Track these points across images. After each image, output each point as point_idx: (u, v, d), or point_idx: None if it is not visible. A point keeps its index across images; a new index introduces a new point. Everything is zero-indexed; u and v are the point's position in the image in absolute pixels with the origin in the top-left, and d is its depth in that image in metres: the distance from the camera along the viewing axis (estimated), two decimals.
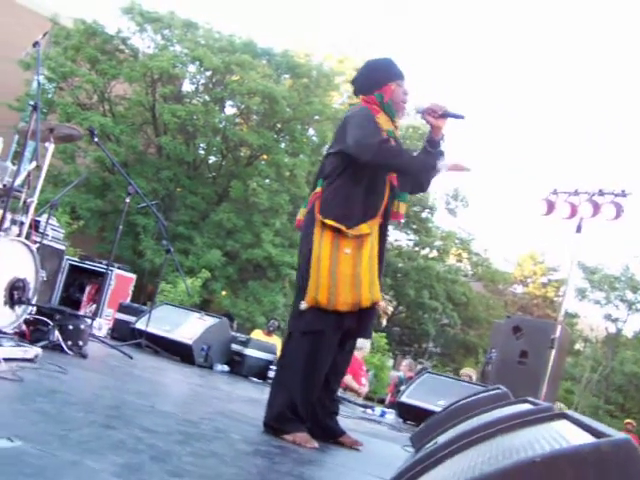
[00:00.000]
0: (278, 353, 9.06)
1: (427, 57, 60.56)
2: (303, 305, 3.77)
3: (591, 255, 48.02)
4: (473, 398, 3.73)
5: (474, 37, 68.88)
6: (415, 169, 3.92)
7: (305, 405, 3.85)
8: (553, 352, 8.44)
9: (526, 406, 2.71)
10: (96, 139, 5.97)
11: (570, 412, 1.97)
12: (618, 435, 1.22)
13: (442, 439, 2.66)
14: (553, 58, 65.58)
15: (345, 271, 3.75)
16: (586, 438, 1.45)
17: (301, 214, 4.10)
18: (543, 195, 9.39)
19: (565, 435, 1.57)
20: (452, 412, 3.62)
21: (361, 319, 3.92)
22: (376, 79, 4.08)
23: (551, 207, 9.31)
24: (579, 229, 8.79)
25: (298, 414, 3.81)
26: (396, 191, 4.07)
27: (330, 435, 4.12)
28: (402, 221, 4.80)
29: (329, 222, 3.78)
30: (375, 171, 3.90)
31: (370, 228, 3.86)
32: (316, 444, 3.72)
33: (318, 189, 3.97)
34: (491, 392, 3.78)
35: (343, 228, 3.77)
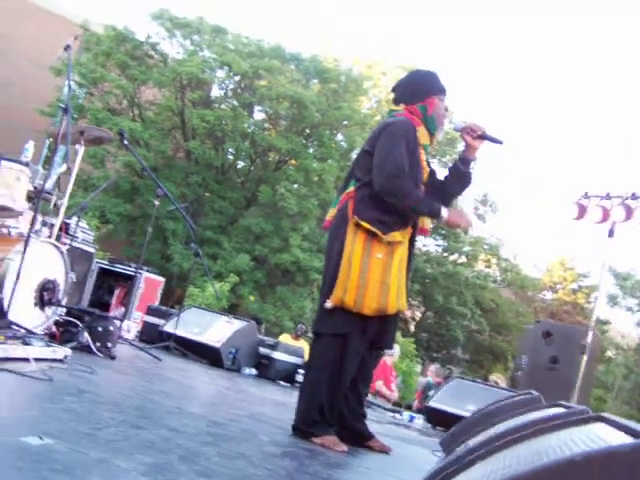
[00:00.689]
0: (306, 357, 9.05)
1: (454, 64, 60.32)
2: (328, 304, 3.74)
3: (623, 261, 47.51)
4: (505, 402, 3.67)
5: (499, 42, 68.56)
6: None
7: (331, 408, 3.82)
8: (584, 358, 8.32)
9: (559, 409, 2.66)
10: (126, 142, 6.00)
11: (607, 414, 1.93)
12: None
13: (473, 442, 2.62)
14: (583, 58, 65.16)
15: (375, 276, 3.72)
16: (625, 439, 1.41)
17: (330, 214, 4.05)
18: (574, 199, 9.29)
19: (603, 436, 1.53)
20: (483, 416, 3.57)
21: (383, 329, 3.91)
22: (421, 90, 4.05)
23: (582, 211, 9.19)
24: (611, 233, 8.66)
25: (326, 417, 3.79)
26: None
27: (358, 439, 4.08)
28: (427, 236, 4.79)
29: (364, 224, 3.75)
30: (413, 178, 3.88)
31: (402, 237, 3.85)
32: (345, 447, 3.70)
33: (351, 189, 3.93)
34: (523, 396, 3.73)
35: (378, 232, 3.74)
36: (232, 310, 19.75)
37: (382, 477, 3.51)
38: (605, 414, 1.96)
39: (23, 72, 23.71)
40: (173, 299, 20.11)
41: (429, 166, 4.12)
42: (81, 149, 5.64)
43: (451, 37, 67.68)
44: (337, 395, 3.86)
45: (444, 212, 3.82)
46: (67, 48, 5.00)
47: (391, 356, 11.82)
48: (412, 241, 4.01)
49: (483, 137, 3.91)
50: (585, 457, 1.16)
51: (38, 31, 23.36)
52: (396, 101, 4.17)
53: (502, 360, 31.55)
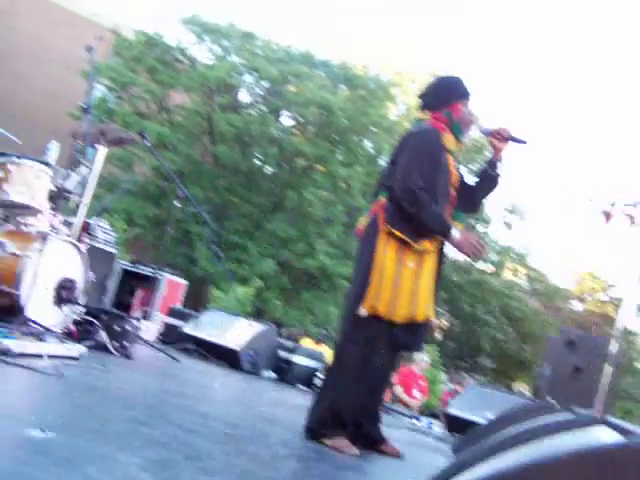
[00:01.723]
0: (327, 362, 9.03)
1: (484, 69, 60.05)
2: (361, 311, 3.74)
3: None
4: (516, 408, 3.63)
5: (530, 46, 68.14)
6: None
7: (350, 411, 3.81)
8: (608, 368, 8.20)
9: (567, 415, 2.62)
10: (147, 142, 6.03)
11: (611, 418, 1.89)
12: None
13: (479, 445, 2.59)
14: (603, 63, 64.51)
15: (407, 285, 3.75)
16: (619, 439, 1.37)
17: (362, 222, 4.06)
18: (601, 207, 9.17)
19: (600, 438, 1.49)
20: (494, 422, 3.53)
21: (413, 332, 3.90)
22: (445, 96, 4.06)
23: (609, 219, 9.08)
24: None
25: (341, 420, 3.77)
26: (453, 211, 4.07)
27: (371, 443, 4.06)
28: None
29: (396, 233, 3.77)
30: (439, 187, 3.88)
31: (433, 246, 3.87)
32: (356, 451, 3.67)
33: (381, 199, 3.93)
34: (536, 403, 3.69)
35: (410, 241, 3.76)
36: (257, 315, 19.78)
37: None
38: (610, 418, 1.92)
39: (55, 76, 23.98)
40: (199, 303, 20.18)
41: (458, 171, 4.12)
42: (102, 149, 5.67)
43: (480, 42, 67.40)
44: (358, 399, 3.86)
45: (455, 233, 3.82)
46: (89, 49, 5.04)
47: (418, 363, 11.77)
48: (442, 250, 4.02)
49: (509, 139, 3.94)
50: (572, 455, 1.14)
51: (70, 36, 23.59)
52: (422, 108, 4.18)
53: (528, 370, 31.26)
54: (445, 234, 3.83)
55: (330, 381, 3.92)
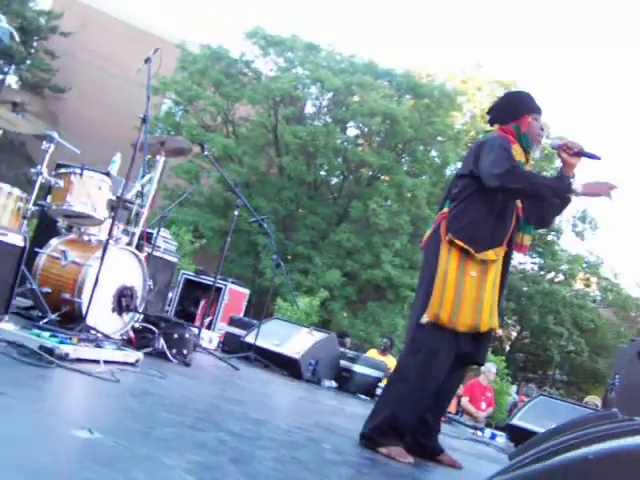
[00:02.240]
0: (390, 372, 8.96)
1: (550, 77, 59.12)
2: (424, 319, 3.73)
3: None
4: (577, 418, 3.52)
5: (592, 54, 66.86)
6: (547, 193, 3.75)
7: (408, 420, 3.78)
8: None
9: (629, 423, 2.52)
10: (206, 152, 6.09)
11: None
12: None
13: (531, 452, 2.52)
14: None
15: (470, 293, 3.72)
16: None
17: (427, 234, 4.06)
18: None
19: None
20: (552, 430, 3.43)
21: (477, 344, 3.88)
22: (514, 110, 4.05)
23: None
24: None
25: (398, 428, 3.74)
26: (521, 222, 4.02)
27: (428, 453, 4.01)
28: (525, 253, 4.67)
29: (458, 242, 3.75)
30: (505, 197, 3.85)
31: (496, 255, 3.83)
32: (411, 459, 3.63)
33: (445, 210, 3.94)
34: (599, 413, 3.57)
35: (472, 250, 3.74)
36: (323, 326, 19.79)
37: None
38: None
39: (123, 91, 24.51)
40: (264, 314, 20.30)
41: None
42: (162, 159, 5.75)
43: (547, 51, 66.44)
44: (417, 408, 3.83)
45: (577, 185, 3.71)
46: (147, 61, 5.13)
47: (485, 374, 11.60)
48: (507, 259, 3.98)
49: (580, 154, 3.81)
50: (598, 455, 1.10)
51: (138, 52, 24.08)
52: (491, 122, 4.19)
53: (602, 382, 30.49)
54: (565, 186, 3.71)
55: (391, 391, 3.89)
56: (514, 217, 3.96)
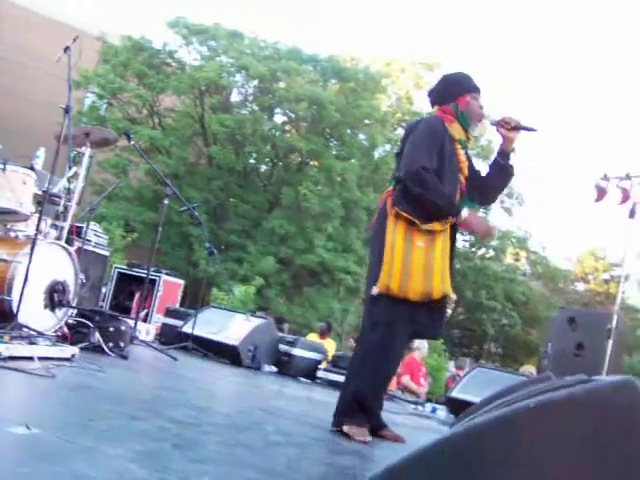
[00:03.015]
0: (330, 354, 8.99)
1: (469, 55, 59.88)
2: (375, 290, 3.74)
3: None
4: (514, 383, 3.60)
5: (509, 22, 68.00)
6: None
7: (375, 398, 3.85)
8: (610, 343, 8.16)
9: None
10: (132, 142, 6.00)
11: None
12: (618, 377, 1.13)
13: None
14: (595, 39, 64.45)
15: (418, 261, 3.73)
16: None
17: (374, 217, 4.11)
18: (594, 181, 9.13)
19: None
20: (490, 397, 3.50)
21: (432, 316, 3.89)
22: (452, 91, 4.12)
23: (602, 193, 9.03)
24: (632, 214, 8.50)
25: (364, 405, 3.77)
26: (464, 198, 4.07)
27: (371, 429, 4.03)
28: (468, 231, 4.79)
29: (404, 214, 3.78)
30: (447, 174, 3.91)
31: (443, 226, 3.84)
32: (368, 439, 3.66)
33: (390, 188, 3.99)
34: (534, 377, 3.65)
35: (417, 221, 3.76)
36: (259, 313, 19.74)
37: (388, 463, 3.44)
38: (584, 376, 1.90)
39: (44, 85, 23.91)
40: (200, 304, 20.15)
41: (469, 161, 4.14)
42: (87, 151, 5.64)
43: (471, 28, 67.32)
44: (382, 385, 3.91)
45: (464, 212, 3.84)
46: (67, 49, 5.02)
47: (419, 350, 11.73)
48: (454, 232, 4.01)
49: (518, 128, 3.95)
50: (540, 403, 1.12)
51: (57, 45, 23.52)
52: (432, 104, 4.24)
53: (535, 353, 31.22)
54: (453, 213, 3.82)
55: (354, 369, 3.90)
56: (458, 193, 4.01)
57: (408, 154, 3.86)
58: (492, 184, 4.17)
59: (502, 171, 4.13)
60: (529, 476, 1.07)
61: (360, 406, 3.75)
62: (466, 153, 4.09)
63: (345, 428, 3.68)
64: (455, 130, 3.99)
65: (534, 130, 3.97)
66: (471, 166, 4.15)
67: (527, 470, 1.07)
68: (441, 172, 3.86)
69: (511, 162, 4.08)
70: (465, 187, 4.06)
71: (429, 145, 3.86)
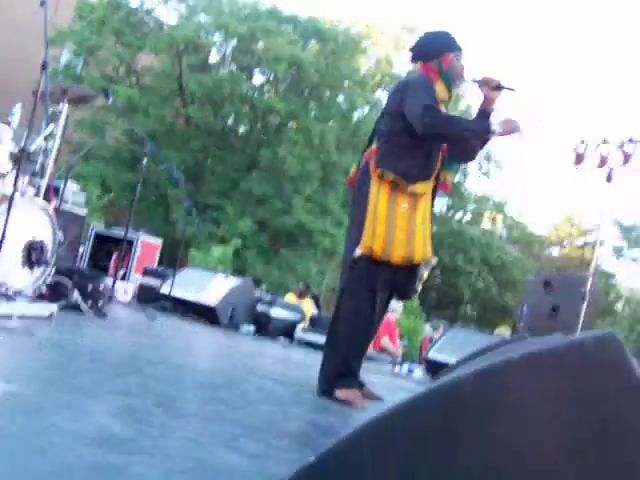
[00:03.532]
0: (307, 315, 9.04)
1: (449, 16, 59.53)
2: (357, 252, 3.71)
3: (629, 214, 47.46)
4: (491, 343, 3.64)
5: None
6: (469, 136, 3.84)
7: (358, 361, 3.83)
8: (584, 306, 8.26)
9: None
10: (110, 99, 5.93)
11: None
12: (602, 331, 1.15)
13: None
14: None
15: (401, 224, 3.71)
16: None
17: (353, 171, 4.07)
18: (571, 146, 9.17)
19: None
20: (468, 356, 3.54)
21: (409, 278, 3.88)
22: (436, 48, 4.06)
23: (580, 158, 9.07)
24: (609, 178, 8.55)
25: (350, 367, 3.77)
26: (445, 160, 4.05)
27: None
28: (449, 192, 4.75)
29: (387, 175, 3.75)
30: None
31: (425, 189, 3.84)
32: (366, 404, 3.65)
33: (373, 146, 3.94)
34: (509, 338, 3.70)
35: (402, 182, 3.74)
36: (237, 275, 19.74)
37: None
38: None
39: (19, 42, 23.52)
40: (178, 264, 20.11)
41: None
42: (65, 108, 5.56)
43: None
44: (364, 345, 3.89)
45: (496, 125, 3.79)
46: (42, 3, 4.91)
47: (393, 312, 11.81)
48: (433, 195, 4.01)
49: (499, 87, 3.90)
50: (522, 356, 1.14)
51: (29, 2, 23.13)
52: (413, 59, 4.18)
53: (510, 316, 31.57)
54: (488, 130, 3.78)
55: (336, 332, 3.85)
56: (440, 154, 3.99)
57: (417, 105, 3.75)
58: (472, 144, 4.08)
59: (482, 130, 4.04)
60: (510, 429, 1.09)
61: (348, 370, 3.74)
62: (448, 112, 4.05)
63: (339, 394, 3.63)
64: (439, 89, 3.95)
65: (513, 90, 3.93)
66: None
67: (508, 423, 1.09)
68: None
69: (491, 122, 3.98)
70: (446, 147, 4.04)
71: (428, 89, 3.82)
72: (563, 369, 1.10)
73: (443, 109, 3.96)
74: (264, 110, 24.16)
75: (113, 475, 1.49)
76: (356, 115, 26.29)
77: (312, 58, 23.21)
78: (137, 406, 2.35)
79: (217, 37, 24.39)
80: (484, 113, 3.97)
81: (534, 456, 1.06)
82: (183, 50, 23.46)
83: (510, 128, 3.84)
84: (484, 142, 4.06)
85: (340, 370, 3.72)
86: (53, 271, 5.14)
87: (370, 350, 10.55)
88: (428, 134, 3.75)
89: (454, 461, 1.07)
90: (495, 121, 3.80)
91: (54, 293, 5.04)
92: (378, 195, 3.74)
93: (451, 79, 4.02)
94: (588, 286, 8.24)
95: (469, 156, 4.26)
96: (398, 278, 3.83)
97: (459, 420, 1.09)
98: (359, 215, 3.79)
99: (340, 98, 25.74)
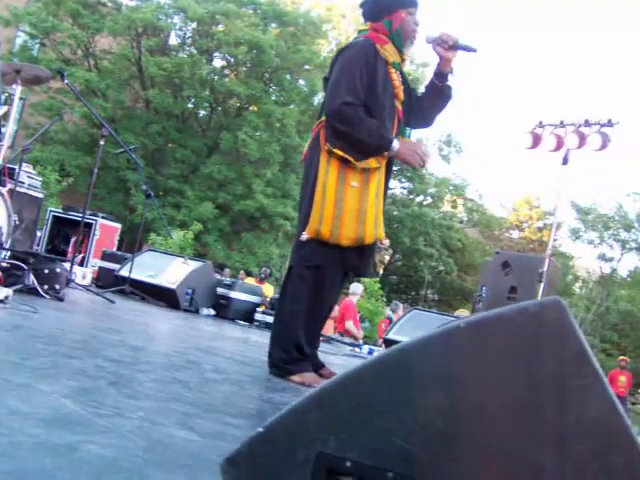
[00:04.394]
0: (267, 297, 9.04)
1: None
2: (304, 236, 3.60)
3: (584, 195, 48.22)
4: (446, 324, 3.67)
5: None
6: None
7: (309, 342, 3.74)
8: (542, 286, 8.37)
9: None
10: (66, 81, 5.83)
11: None
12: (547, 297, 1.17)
13: None
14: None
15: (351, 205, 3.55)
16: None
17: (306, 147, 3.87)
18: (529, 129, 9.26)
19: None
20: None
21: (363, 257, 3.76)
22: (386, 4, 3.80)
23: (537, 140, 9.16)
24: (565, 161, 8.65)
25: (302, 350, 3.68)
26: (401, 126, 3.85)
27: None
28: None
29: (337, 152, 3.56)
30: (381, 101, 3.68)
31: (379, 163, 3.64)
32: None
33: (322, 118, 3.72)
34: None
35: (351, 159, 3.55)
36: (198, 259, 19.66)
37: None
38: None
39: None
40: (137, 248, 19.98)
41: (406, 84, 3.91)
42: (18, 89, 5.47)
43: None
44: (315, 329, 3.82)
45: (396, 145, 3.61)
46: None
47: (354, 295, 11.87)
48: (389, 167, 3.81)
49: (456, 47, 3.70)
50: (470, 323, 1.16)
51: None
52: (364, 17, 3.96)
53: (470, 299, 31.90)
54: (384, 147, 3.59)
55: (286, 314, 3.75)
56: (396, 120, 3.81)
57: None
58: (429, 106, 3.95)
59: (439, 93, 3.90)
60: (455, 393, 1.11)
61: (300, 352, 3.68)
62: (402, 74, 3.86)
63: (296, 378, 3.58)
64: (388, 52, 3.74)
65: (474, 50, 3.70)
66: (407, 89, 3.92)
67: (454, 387, 1.11)
68: (375, 100, 3.64)
69: (449, 83, 3.86)
70: (402, 113, 3.85)
71: (355, 75, 3.58)
72: (509, 332, 1.12)
73: (393, 72, 3.78)
74: (224, 94, 24.04)
75: (65, 454, 1.48)
76: (317, 99, 26.24)
77: (272, 41, 23.11)
78: (92, 387, 2.33)
79: (177, 20, 24.16)
80: (440, 74, 3.82)
81: (478, 419, 1.07)
82: (142, 32, 23.21)
83: (409, 158, 3.68)
84: (446, 101, 3.91)
85: (293, 352, 3.65)
86: (8, 255, 5.07)
87: (333, 332, 10.64)
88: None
89: (399, 428, 1.08)
90: (397, 144, 3.61)
91: (9, 277, 4.97)
92: (327, 173, 3.58)
93: (402, 40, 3.80)
94: (545, 267, 8.36)
95: (429, 119, 4.05)
96: (351, 257, 3.70)
97: (404, 387, 1.10)
98: (309, 194, 3.65)
99: (301, 82, 25.68)
